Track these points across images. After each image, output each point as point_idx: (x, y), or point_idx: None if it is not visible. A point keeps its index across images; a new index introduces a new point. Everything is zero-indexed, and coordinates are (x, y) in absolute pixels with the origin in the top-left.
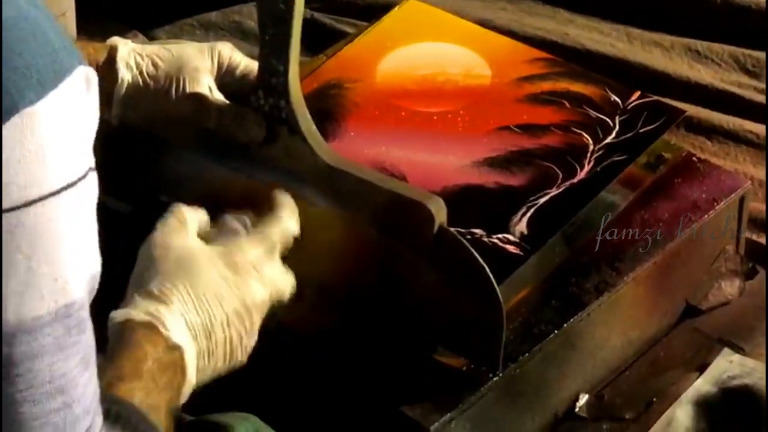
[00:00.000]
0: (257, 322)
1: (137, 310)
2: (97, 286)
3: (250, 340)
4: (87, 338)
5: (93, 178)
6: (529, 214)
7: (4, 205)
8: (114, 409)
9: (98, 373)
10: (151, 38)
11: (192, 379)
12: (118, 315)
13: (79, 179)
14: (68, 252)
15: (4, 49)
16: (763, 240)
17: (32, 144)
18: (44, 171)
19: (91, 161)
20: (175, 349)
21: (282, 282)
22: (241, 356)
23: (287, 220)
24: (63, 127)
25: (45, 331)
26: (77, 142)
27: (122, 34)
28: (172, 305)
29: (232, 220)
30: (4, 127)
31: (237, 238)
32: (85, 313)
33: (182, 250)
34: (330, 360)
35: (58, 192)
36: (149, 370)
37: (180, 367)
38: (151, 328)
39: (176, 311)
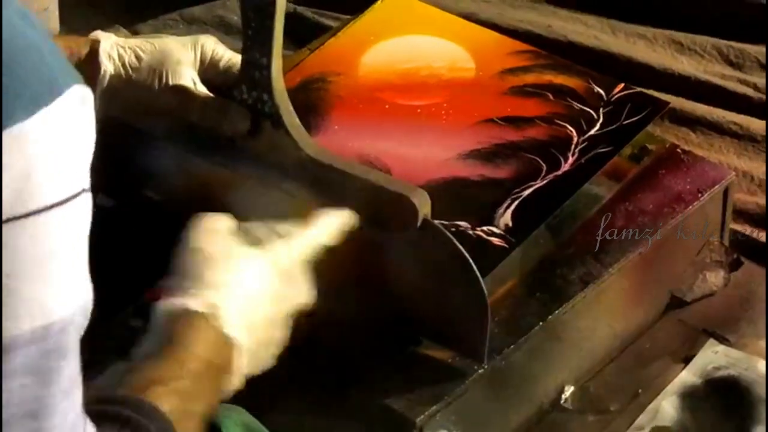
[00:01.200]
0: (290, 327)
1: (195, 300)
2: (89, 317)
3: (280, 347)
4: (70, 366)
5: (86, 200)
6: (513, 207)
7: None
8: (125, 414)
9: (134, 370)
10: (134, 33)
11: (239, 378)
12: (171, 304)
13: (69, 198)
14: (51, 272)
15: None
16: (746, 231)
17: (19, 160)
18: (30, 188)
19: (86, 182)
20: (229, 343)
21: (310, 292)
22: (271, 360)
23: (323, 231)
24: (54, 145)
25: (19, 351)
26: (69, 160)
27: (105, 28)
28: (228, 299)
29: (257, 228)
30: None
31: (274, 244)
32: (68, 339)
33: (228, 248)
34: (314, 352)
35: (43, 210)
36: (194, 371)
37: (228, 365)
38: (207, 319)
39: (232, 305)
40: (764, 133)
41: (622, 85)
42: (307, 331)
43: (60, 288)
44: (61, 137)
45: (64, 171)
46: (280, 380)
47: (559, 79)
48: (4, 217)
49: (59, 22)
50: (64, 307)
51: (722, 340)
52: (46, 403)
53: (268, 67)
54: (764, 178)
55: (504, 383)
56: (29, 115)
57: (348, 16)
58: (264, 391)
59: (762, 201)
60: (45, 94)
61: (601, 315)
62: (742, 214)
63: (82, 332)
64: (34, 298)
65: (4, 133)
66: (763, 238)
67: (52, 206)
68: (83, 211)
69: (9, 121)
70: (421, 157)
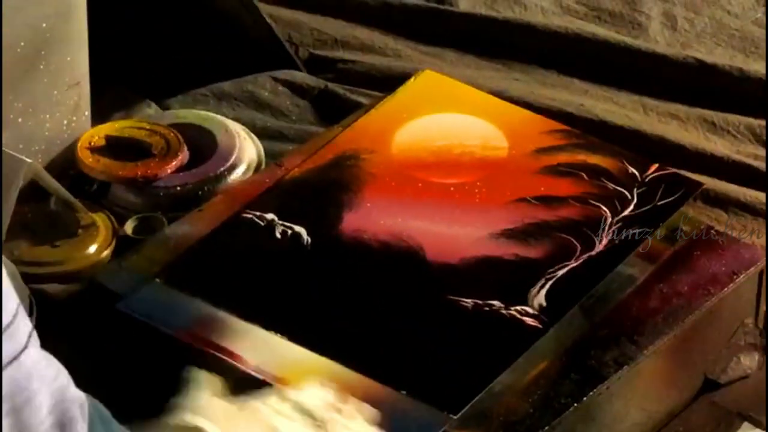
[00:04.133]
0: None
1: None
2: None
3: None
4: None
5: None
6: (547, 287)
7: None
8: None
9: None
10: (165, 108)
11: None
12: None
13: None
14: None
15: None
16: None
17: None
18: None
19: None
20: None
21: None
22: None
23: None
24: None
25: None
26: None
27: (136, 103)
28: None
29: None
30: None
31: None
32: None
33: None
34: None
35: None
36: None
37: None
38: None
39: None
40: None
41: (656, 165)
42: None
43: None
44: None
45: None
46: None
47: (593, 159)
48: None
49: (90, 96)
50: None
51: (757, 423)
52: None
53: None
54: None
55: None
56: None
57: (380, 94)
58: None
59: None
60: None
61: (635, 397)
62: None
63: None
64: None
65: None
66: None
67: None
68: None
69: None
70: (454, 235)
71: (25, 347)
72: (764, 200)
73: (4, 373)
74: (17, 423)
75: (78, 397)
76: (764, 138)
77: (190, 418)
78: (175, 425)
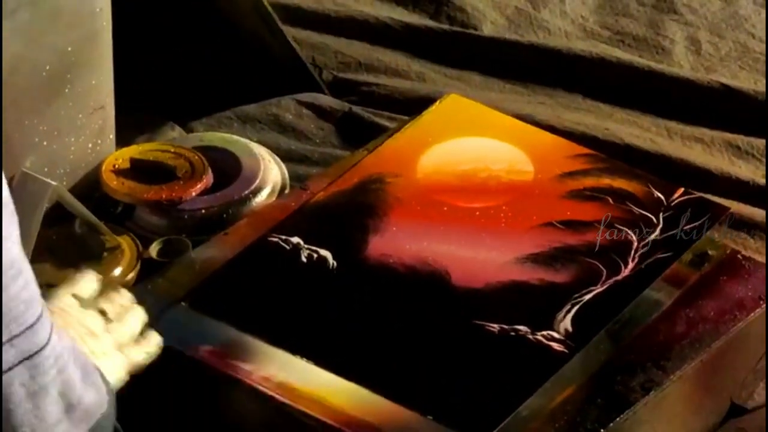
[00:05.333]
0: None
1: None
2: None
3: None
4: None
5: None
6: (573, 311)
7: None
8: None
9: None
10: (189, 131)
11: None
12: None
13: None
14: None
15: None
16: None
17: None
18: None
19: None
20: None
21: None
22: None
23: None
24: None
25: None
26: None
27: (160, 126)
28: None
29: None
30: None
31: None
32: None
33: None
34: None
35: None
36: None
37: None
38: None
39: None
40: None
41: (682, 189)
42: None
43: None
44: None
45: None
46: None
47: (619, 183)
48: None
49: (114, 120)
50: None
51: None
52: None
53: None
54: None
55: None
56: None
57: (404, 117)
58: None
59: None
60: None
61: (662, 422)
62: None
63: None
64: None
65: None
66: None
67: None
68: None
69: None
70: (480, 259)
71: (48, 342)
72: None
73: (29, 362)
74: (34, 408)
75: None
76: None
77: None
78: None
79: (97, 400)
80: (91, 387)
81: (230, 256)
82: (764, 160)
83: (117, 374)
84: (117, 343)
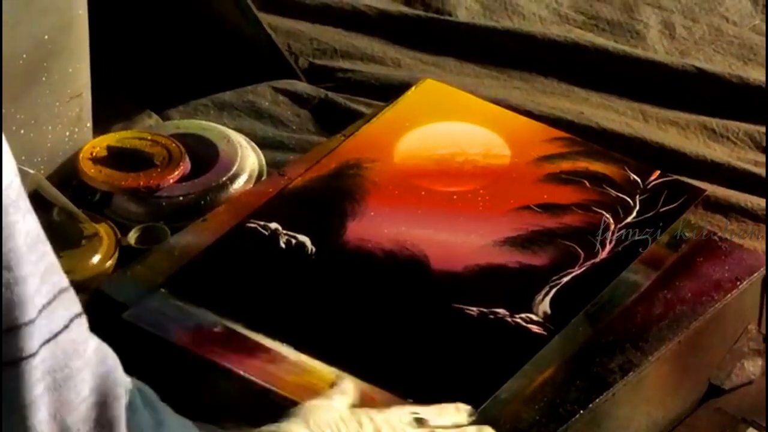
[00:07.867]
0: None
1: None
2: None
3: None
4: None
5: None
6: (552, 294)
7: None
8: None
9: None
10: (166, 118)
11: None
12: None
13: None
14: None
15: None
16: None
17: None
18: None
19: None
20: None
21: None
22: None
23: None
24: None
25: None
26: None
27: (136, 114)
28: None
29: None
30: None
31: None
32: None
33: None
34: None
35: None
36: None
37: None
38: None
39: None
40: None
41: (658, 172)
42: None
43: None
44: None
45: None
46: None
47: (595, 166)
48: None
49: (91, 107)
50: None
51: (761, 428)
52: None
53: None
54: None
55: None
56: None
57: (380, 103)
58: None
59: None
60: None
61: (640, 403)
62: None
63: None
64: None
65: None
66: None
67: None
68: None
69: None
70: (458, 243)
71: (66, 327)
72: (764, 206)
73: (44, 348)
74: (58, 398)
75: (125, 381)
76: (764, 144)
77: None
78: None
79: None
80: None
81: (209, 243)
82: (738, 143)
83: None
84: None
